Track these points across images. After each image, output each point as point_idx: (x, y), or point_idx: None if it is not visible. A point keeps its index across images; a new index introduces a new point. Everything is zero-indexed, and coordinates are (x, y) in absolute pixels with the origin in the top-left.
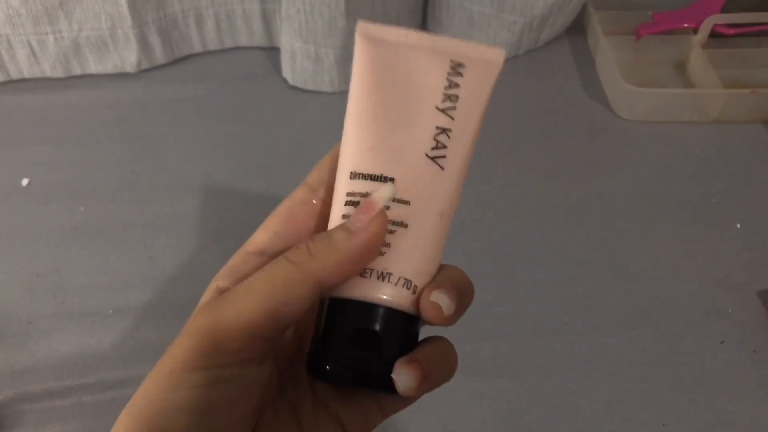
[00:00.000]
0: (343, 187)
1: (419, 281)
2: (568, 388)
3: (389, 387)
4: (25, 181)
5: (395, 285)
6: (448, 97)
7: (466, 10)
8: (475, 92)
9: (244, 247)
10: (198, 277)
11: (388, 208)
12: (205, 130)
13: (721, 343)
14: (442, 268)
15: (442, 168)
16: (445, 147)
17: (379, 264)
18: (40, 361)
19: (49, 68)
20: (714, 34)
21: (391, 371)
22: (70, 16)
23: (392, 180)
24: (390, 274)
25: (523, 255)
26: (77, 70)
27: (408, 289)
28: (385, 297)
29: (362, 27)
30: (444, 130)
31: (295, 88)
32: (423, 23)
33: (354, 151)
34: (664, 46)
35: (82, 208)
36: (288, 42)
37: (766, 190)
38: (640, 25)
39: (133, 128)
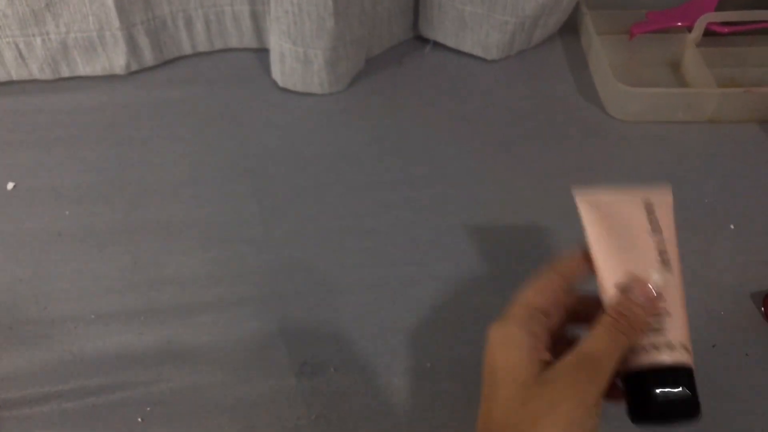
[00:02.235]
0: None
1: (689, 347)
2: None
3: (695, 417)
4: (10, 185)
5: (678, 350)
6: (652, 227)
7: (458, 10)
8: (666, 219)
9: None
10: (183, 282)
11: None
12: (194, 133)
13: (713, 346)
14: None
15: (671, 270)
16: (668, 256)
17: (660, 337)
18: (20, 368)
19: (37, 70)
20: (708, 33)
21: (697, 408)
22: (57, 18)
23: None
24: (671, 342)
25: (516, 255)
26: (66, 72)
27: (687, 352)
28: (679, 362)
29: (581, 196)
30: (662, 251)
31: (284, 89)
32: (414, 23)
33: (608, 285)
34: (657, 46)
35: (67, 212)
36: (277, 44)
37: (761, 190)
38: (634, 24)
39: (121, 131)
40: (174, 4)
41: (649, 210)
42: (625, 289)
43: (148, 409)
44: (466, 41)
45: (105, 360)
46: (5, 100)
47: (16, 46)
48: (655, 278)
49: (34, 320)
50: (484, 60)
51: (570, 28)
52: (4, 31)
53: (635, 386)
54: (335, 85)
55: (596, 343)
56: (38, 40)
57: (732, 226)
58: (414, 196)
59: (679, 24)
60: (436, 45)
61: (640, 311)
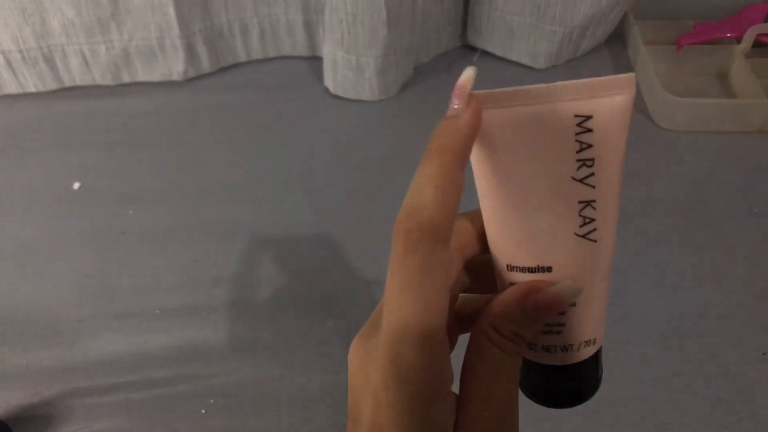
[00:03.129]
0: (505, 276)
1: (598, 334)
2: (606, 398)
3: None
4: (76, 185)
5: (579, 350)
6: (583, 163)
7: (506, 21)
8: (612, 145)
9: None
10: (241, 280)
11: (573, 304)
12: (248, 137)
13: (764, 354)
14: None
15: (594, 241)
16: (593, 220)
17: (559, 340)
18: (89, 359)
19: (99, 76)
20: (757, 44)
21: (597, 386)
22: (121, 27)
23: (549, 269)
24: (571, 345)
25: None
26: (126, 78)
27: (590, 344)
28: (577, 361)
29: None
30: (588, 203)
31: (336, 96)
32: (463, 34)
33: (503, 245)
34: (705, 56)
35: (130, 212)
36: (330, 52)
37: None
38: (681, 35)
39: (179, 135)
40: (231, 12)
41: (583, 126)
42: (519, 299)
43: (211, 401)
44: (513, 50)
45: (169, 353)
46: (70, 104)
47: (82, 53)
48: (566, 291)
49: (102, 314)
50: (531, 69)
51: (617, 38)
52: (72, 39)
53: (531, 379)
54: (385, 91)
55: (493, 387)
56: (102, 47)
57: None
58: (462, 199)
59: (728, 35)
60: (484, 53)
61: (537, 326)
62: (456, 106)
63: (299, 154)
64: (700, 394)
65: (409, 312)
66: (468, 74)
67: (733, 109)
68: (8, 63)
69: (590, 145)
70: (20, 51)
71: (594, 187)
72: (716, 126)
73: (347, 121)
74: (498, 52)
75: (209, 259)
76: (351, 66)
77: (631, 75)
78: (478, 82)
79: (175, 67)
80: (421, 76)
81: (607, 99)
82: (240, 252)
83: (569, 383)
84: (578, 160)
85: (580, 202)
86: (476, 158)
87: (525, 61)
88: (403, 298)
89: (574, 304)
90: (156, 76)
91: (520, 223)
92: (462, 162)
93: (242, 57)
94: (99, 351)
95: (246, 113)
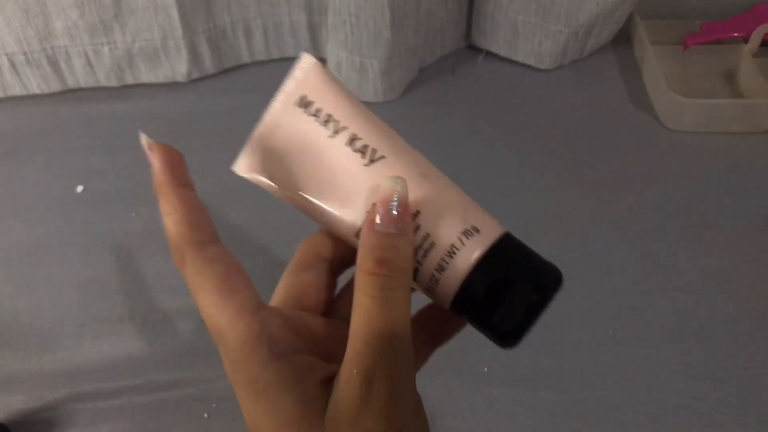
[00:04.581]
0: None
1: (475, 222)
2: (612, 401)
3: (554, 290)
4: (80, 188)
5: (465, 245)
6: (326, 122)
7: (511, 20)
8: (329, 96)
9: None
10: None
11: (418, 212)
12: None
13: None
14: None
15: (384, 157)
16: (366, 146)
17: (439, 250)
18: (92, 362)
19: (103, 78)
20: (765, 44)
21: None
22: (125, 28)
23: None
24: (452, 244)
25: (568, 265)
26: (130, 80)
27: (472, 234)
28: (474, 256)
29: (241, 169)
30: (352, 140)
31: None
32: (467, 34)
33: (339, 219)
34: (712, 56)
35: (133, 215)
36: (334, 53)
37: None
38: (688, 34)
39: (183, 137)
40: (234, 13)
41: (306, 105)
42: (368, 227)
43: (214, 405)
44: (518, 51)
45: (172, 357)
46: (74, 107)
47: (85, 54)
48: (388, 183)
49: (105, 317)
50: (536, 69)
51: (623, 38)
52: (75, 41)
53: (471, 318)
54: (389, 93)
55: (362, 342)
56: (106, 48)
57: None
58: None
59: (735, 35)
60: (489, 54)
61: (396, 241)
62: (153, 163)
63: None
64: (708, 399)
65: (205, 303)
66: (144, 140)
67: (741, 110)
68: (12, 65)
69: (319, 109)
70: (24, 53)
71: (347, 127)
72: (723, 127)
73: None
74: (503, 53)
75: None
76: (355, 67)
77: (306, 57)
78: (474, 83)
79: (179, 69)
80: (426, 77)
81: (303, 81)
82: (244, 255)
83: (503, 281)
84: (321, 123)
85: (347, 144)
86: (280, 190)
87: (530, 61)
88: (199, 302)
89: (419, 212)
90: (159, 77)
91: (334, 191)
92: (178, 182)
93: (246, 58)
94: (102, 355)
95: (250, 115)
